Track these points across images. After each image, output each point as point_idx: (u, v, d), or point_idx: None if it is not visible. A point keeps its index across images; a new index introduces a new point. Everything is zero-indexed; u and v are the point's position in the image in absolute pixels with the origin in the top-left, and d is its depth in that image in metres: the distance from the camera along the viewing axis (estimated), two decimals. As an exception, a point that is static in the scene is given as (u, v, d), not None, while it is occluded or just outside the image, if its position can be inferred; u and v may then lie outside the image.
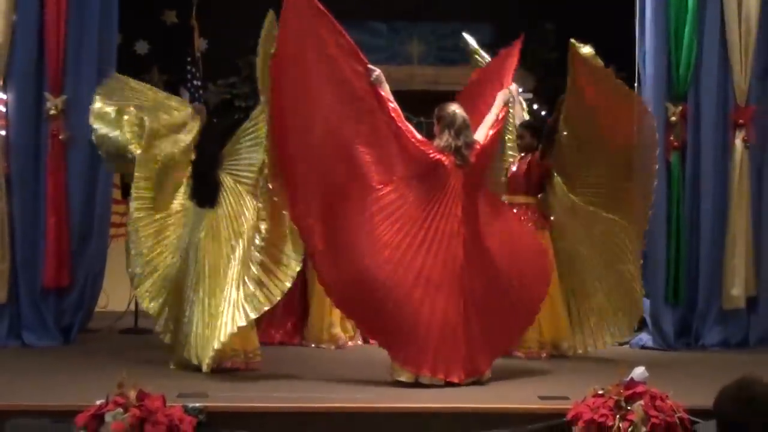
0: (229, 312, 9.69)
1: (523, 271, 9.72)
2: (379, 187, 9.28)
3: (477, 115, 9.66)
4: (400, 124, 9.31)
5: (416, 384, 9.17)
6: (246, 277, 9.62)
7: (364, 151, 9.32)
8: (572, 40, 10.59)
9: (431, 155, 9.28)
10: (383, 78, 9.37)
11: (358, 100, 9.35)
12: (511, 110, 10.80)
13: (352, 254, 9.23)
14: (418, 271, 9.18)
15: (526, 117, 11.26)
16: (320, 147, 9.33)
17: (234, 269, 9.82)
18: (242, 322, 9.51)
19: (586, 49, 10.57)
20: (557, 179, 10.88)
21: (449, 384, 9.17)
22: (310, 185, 9.35)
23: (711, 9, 11.50)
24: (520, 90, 11.32)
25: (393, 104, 9.35)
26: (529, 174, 10.82)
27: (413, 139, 9.33)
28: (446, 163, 9.26)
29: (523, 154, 10.89)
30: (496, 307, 9.53)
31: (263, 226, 9.66)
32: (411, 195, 9.29)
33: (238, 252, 9.87)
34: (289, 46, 9.27)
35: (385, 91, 9.34)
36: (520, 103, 11.24)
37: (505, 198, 10.93)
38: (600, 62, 10.62)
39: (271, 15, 9.75)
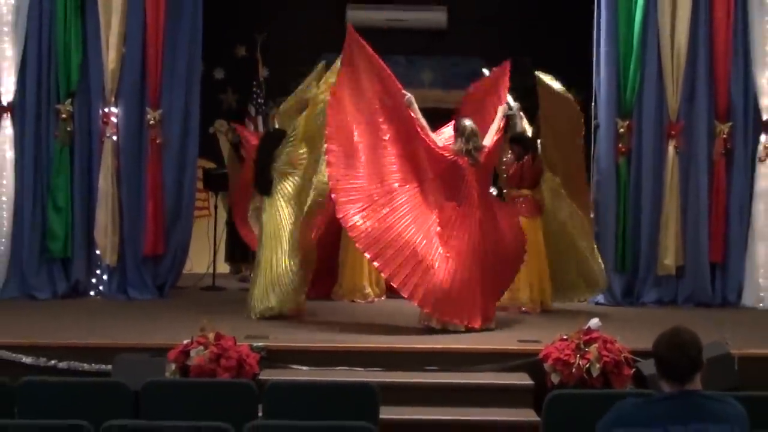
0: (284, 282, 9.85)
1: (510, 243, 9.75)
2: (415, 183, 9.42)
3: (480, 122, 9.70)
4: (425, 136, 9.41)
5: (443, 330, 9.21)
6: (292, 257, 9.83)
7: (402, 153, 9.45)
8: (537, 73, 10.69)
9: (450, 157, 9.40)
10: (413, 100, 9.49)
11: (398, 114, 9.46)
12: (512, 122, 10.85)
13: (397, 240, 9.21)
14: (446, 243, 9.26)
15: (527, 126, 11.19)
16: (372, 146, 9.41)
17: (289, 243, 9.90)
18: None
19: (547, 78, 10.61)
20: (548, 174, 10.85)
21: (468, 330, 9.21)
22: (360, 179, 9.33)
23: (650, 47, 11.44)
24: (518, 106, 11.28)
25: (420, 120, 9.43)
26: (523, 174, 10.76)
27: (436, 146, 9.44)
28: (461, 163, 9.37)
29: (517, 161, 10.83)
30: (498, 269, 9.62)
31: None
32: (439, 188, 9.41)
33: (289, 229, 9.95)
34: (352, 68, 9.44)
35: (414, 110, 9.43)
36: (521, 117, 11.20)
37: (506, 191, 11.07)
38: (557, 84, 10.65)
39: (321, 66, 10.17)
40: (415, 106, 9.48)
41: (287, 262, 9.86)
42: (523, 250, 9.98)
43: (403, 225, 9.22)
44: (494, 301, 9.70)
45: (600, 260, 10.86)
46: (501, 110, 9.82)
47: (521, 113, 11.12)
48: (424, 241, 9.21)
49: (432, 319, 9.31)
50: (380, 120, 9.49)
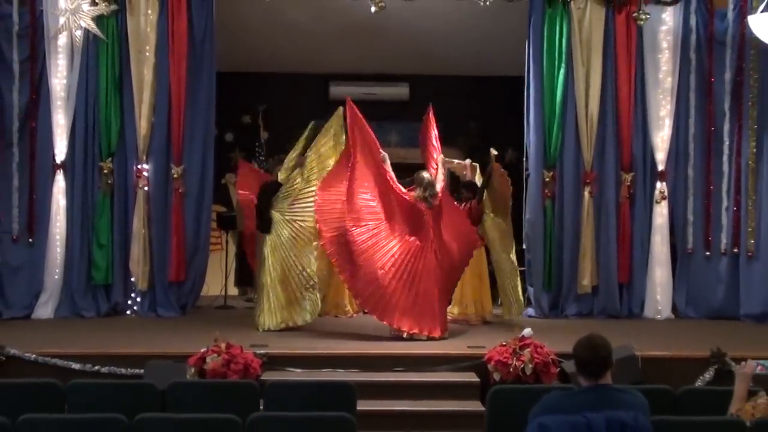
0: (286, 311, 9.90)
1: (458, 251, 9.80)
2: (384, 220, 9.54)
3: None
4: (393, 185, 9.55)
5: (408, 338, 9.24)
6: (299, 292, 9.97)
7: (379, 196, 9.61)
8: (492, 150, 10.54)
9: (411, 201, 9.50)
10: (387, 157, 9.69)
11: (377, 167, 9.63)
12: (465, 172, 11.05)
13: (367, 265, 9.35)
14: (409, 270, 9.34)
15: (478, 177, 11.14)
16: (365, 190, 9.63)
17: (292, 276, 9.94)
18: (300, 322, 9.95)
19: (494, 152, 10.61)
20: (489, 215, 10.79)
21: (430, 338, 9.25)
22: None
23: (569, 114, 11.46)
24: (469, 162, 11.29)
25: (390, 173, 9.60)
26: (470, 214, 10.74)
27: (401, 193, 9.55)
28: (420, 206, 9.47)
29: (465, 203, 10.83)
30: (449, 288, 9.82)
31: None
32: (402, 225, 9.51)
33: (289, 262, 9.93)
34: (351, 129, 9.76)
35: (387, 165, 9.63)
36: (474, 170, 11.16)
37: None
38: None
39: (312, 125, 10.29)
40: (388, 162, 9.65)
41: (282, 286, 9.92)
42: (471, 250, 10.02)
43: (372, 253, 9.39)
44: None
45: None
46: (440, 159, 9.93)
47: (474, 166, 11.14)
48: (388, 267, 9.32)
49: (401, 331, 9.30)
50: (367, 168, 9.67)
